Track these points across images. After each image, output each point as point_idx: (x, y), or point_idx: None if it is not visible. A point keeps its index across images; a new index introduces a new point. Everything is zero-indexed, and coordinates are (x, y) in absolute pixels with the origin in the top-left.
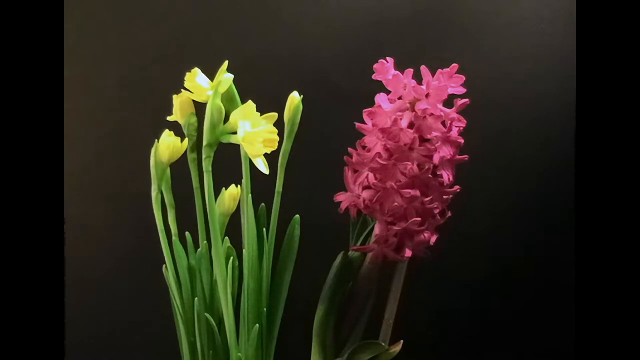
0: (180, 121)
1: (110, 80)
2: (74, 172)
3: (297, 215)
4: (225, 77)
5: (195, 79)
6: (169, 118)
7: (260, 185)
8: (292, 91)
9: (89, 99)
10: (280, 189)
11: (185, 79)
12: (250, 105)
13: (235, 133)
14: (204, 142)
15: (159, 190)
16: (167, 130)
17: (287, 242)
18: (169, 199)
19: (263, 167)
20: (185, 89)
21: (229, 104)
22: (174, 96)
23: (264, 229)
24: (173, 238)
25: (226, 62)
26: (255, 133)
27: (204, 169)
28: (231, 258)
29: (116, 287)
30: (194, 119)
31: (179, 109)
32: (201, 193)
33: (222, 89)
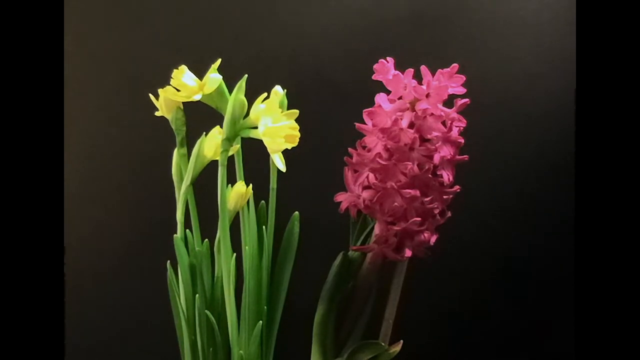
0: (167, 116)
1: (110, 80)
2: (74, 172)
3: (297, 212)
4: (212, 77)
5: (182, 77)
6: (157, 113)
7: (261, 184)
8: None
9: (89, 99)
10: (275, 186)
11: (172, 76)
12: (274, 100)
13: (255, 128)
14: (223, 136)
15: (190, 184)
16: (217, 127)
17: (286, 239)
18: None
19: (280, 164)
20: (172, 86)
21: (220, 101)
22: (159, 90)
23: (264, 227)
24: (174, 235)
25: (218, 61)
26: (277, 128)
27: (219, 162)
28: (233, 256)
29: (116, 287)
30: (180, 114)
31: (164, 104)
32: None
33: (209, 89)
